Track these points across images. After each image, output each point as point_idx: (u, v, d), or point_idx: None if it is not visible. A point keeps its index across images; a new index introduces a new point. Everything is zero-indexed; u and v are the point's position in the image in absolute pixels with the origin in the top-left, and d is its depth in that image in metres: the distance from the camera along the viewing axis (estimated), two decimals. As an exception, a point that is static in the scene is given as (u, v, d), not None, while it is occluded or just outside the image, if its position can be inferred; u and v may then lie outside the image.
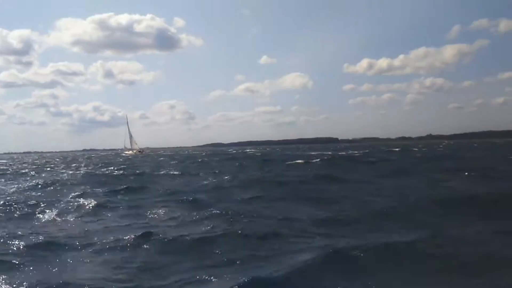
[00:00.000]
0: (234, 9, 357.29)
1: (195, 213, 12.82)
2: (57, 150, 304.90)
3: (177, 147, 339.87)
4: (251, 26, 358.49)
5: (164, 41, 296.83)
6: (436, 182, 19.46)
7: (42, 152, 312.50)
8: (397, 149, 78.99)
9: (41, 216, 13.53)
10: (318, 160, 42.78)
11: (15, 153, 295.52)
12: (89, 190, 20.52)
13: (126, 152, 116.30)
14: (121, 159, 75.23)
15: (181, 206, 14.85)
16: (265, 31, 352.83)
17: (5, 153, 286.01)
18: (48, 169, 47.05)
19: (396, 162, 38.41)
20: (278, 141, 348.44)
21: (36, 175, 35.53)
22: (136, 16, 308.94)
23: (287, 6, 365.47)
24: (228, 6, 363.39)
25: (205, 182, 23.41)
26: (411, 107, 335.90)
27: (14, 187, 23.93)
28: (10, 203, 16.15)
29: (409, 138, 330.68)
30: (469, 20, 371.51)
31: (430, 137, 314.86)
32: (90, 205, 15.16)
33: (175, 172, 32.69)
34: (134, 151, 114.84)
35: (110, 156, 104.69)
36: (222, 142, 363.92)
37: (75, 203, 15.84)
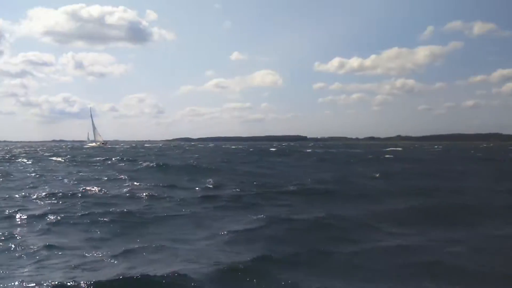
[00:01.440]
0: (207, 3, 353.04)
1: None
2: (26, 140, 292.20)
3: (146, 140, 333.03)
4: (223, 21, 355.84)
5: (136, 34, 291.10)
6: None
7: (11, 141, 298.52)
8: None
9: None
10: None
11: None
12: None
13: (89, 144, 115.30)
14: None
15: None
16: (237, 27, 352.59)
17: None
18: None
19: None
20: (247, 137, 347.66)
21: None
22: (108, 8, 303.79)
23: (259, 2, 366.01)
24: (201, 0, 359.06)
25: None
26: (381, 108, 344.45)
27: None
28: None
29: (378, 139, 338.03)
30: (444, 21, 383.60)
31: (399, 138, 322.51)
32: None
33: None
34: (98, 143, 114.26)
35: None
36: (191, 137, 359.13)
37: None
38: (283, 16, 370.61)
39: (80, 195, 15.84)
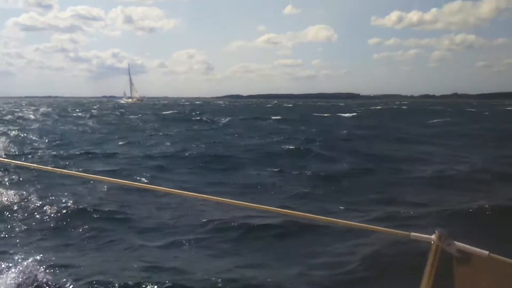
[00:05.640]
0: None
1: None
2: (77, 96, 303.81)
3: (195, 98, 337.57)
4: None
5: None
6: None
7: (62, 97, 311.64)
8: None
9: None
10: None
11: (36, 97, 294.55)
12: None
13: (125, 100, 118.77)
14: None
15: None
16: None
17: (26, 97, 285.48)
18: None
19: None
20: (299, 95, 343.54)
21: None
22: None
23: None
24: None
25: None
26: (438, 64, 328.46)
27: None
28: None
29: (433, 96, 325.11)
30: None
31: (456, 96, 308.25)
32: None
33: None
34: (134, 99, 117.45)
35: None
36: (241, 94, 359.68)
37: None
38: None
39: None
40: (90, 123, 36.14)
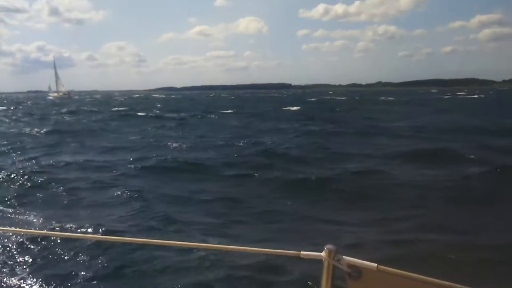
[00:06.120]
0: None
1: None
2: (0, 91, 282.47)
3: (127, 91, 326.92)
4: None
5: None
6: None
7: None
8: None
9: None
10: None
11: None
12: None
13: (52, 95, 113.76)
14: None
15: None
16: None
17: None
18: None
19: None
20: (232, 86, 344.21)
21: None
22: None
23: None
24: None
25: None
26: (363, 54, 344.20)
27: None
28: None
29: (360, 85, 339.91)
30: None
31: (380, 84, 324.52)
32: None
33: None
34: (60, 93, 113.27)
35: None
36: (175, 86, 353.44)
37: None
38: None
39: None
40: (27, 120, 34.08)
